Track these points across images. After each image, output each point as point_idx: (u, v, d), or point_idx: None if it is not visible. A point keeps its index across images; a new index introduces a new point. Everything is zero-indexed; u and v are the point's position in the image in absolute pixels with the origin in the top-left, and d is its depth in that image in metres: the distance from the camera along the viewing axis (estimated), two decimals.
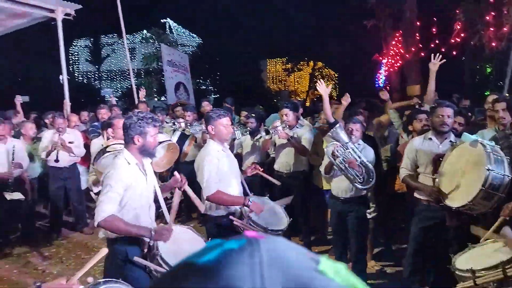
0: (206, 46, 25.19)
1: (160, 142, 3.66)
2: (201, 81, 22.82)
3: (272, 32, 22.64)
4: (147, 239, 2.63)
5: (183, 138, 4.25)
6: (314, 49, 21.26)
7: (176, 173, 3.06)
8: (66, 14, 6.34)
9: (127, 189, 2.60)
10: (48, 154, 5.29)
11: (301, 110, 5.30)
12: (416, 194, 3.53)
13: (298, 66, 25.71)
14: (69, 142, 5.37)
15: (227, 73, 23.43)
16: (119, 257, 2.67)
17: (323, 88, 4.10)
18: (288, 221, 3.43)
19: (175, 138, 4.13)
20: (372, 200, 4.23)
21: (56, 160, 5.26)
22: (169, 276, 0.44)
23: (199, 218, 6.19)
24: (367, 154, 3.76)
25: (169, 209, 2.95)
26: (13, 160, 4.87)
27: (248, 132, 5.46)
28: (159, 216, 3.30)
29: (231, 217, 3.21)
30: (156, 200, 2.92)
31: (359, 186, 3.62)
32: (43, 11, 6.17)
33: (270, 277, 0.37)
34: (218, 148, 3.24)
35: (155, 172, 3.99)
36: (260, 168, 3.72)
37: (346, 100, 4.39)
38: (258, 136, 5.50)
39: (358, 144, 3.81)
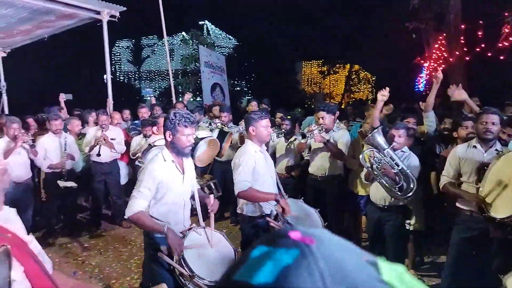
0: (242, 48, 25.44)
1: (202, 138, 3.76)
2: (235, 82, 23.05)
3: (308, 34, 22.50)
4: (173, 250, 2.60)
5: (221, 135, 4.32)
6: (351, 52, 20.91)
7: (211, 197, 3.05)
8: (111, 16, 6.61)
9: (160, 185, 2.65)
10: (91, 149, 5.56)
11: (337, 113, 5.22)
12: (458, 204, 3.39)
13: (334, 68, 25.41)
14: (111, 139, 5.61)
15: (262, 75, 23.53)
16: (152, 248, 2.74)
17: (383, 96, 3.98)
18: (322, 224, 3.39)
19: (214, 135, 4.19)
20: (416, 210, 4.08)
21: (98, 155, 5.51)
22: None
23: (231, 217, 6.28)
24: (411, 162, 3.60)
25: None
26: (65, 150, 5.24)
27: (282, 134, 5.46)
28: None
29: (267, 218, 3.22)
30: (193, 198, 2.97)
31: (395, 195, 3.51)
32: (90, 12, 6.45)
33: None
34: (256, 148, 3.27)
35: (197, 167, 4.10)
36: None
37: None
38: (293, 138, 5.47)
39: (402, 151, 3.66)
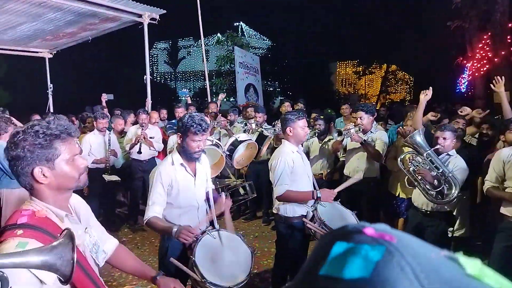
0: (275, 48, 25.46)
1: (242, 141, 3.82)
2: (269, 82, 23.07)
3: (343, 34, 22.14)
4: (185, 241, 2.51)
5: (260, 138, 4.36)
6: (388, 51, 20.34)
7: (223, 195, 2.97)
8: (152, 19, 6.82)
9: (169, 188, 2.64)
10: (132, 147, 5.77)
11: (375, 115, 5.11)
12: (502, 210, 3.24)
13: (369, 69, 24.89)
14: (150, 137, 5.79)
15: (295, 75, 23.43)
16: (162, 250, 2.77)
17: (426, 96, 3.83)
18: None
19: (253, 138, 4.25)
20: (462, 217, 3.93)
21: (139, 152, 5.72)
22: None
23: (263, 217, 6.31)
24: (457, 166, 3.42)
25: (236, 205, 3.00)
26: (109, 147, 5.52)
27: (316, 134, 5.43)
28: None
29: (304, 219, 3.21)
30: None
31: (434, 200, 3.40)
32: (132, 15, 6.69)
33: None
34: (293, 149, 3.27)
35: (232, 167, 4.14)
36: None
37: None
38: (327, 139, 5.44)
39: (448, 154, 3.50)
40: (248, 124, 5.68)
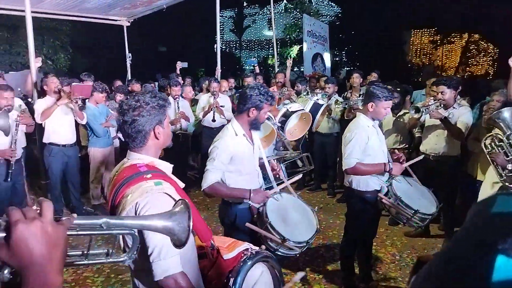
0: (344, 16, 24.26)
1: (294, 112, 3.75)
2: (336, 52, 22.20)
3: None
4: (256, 205, 2.73)
5: (316, 108, 4.25)
6: (471, 18, 18.36)
7: (272, 161, 3.04)
8: None
9: (233, 158, 2.70)
10: (205, 115, 5.99)
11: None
12: None
13: (448, 38, 22.83)
14: (221, 106, 5.94)
15: (364, 45, 22.25)
16: (230, 218, 2.86)
17: None
18: (438, 206, 3.20)
19: (308, 108, 4.15)
20: None
21: (213, 120, 5.91)
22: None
23: (328, 189, 6.28)
24: None
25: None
26: (178, 110, 5.82)
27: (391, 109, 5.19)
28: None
29: (379, 194, 3.15)
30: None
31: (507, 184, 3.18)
32: None
33: None
34: (368, 123, 3.18)
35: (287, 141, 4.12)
36: None
37: None
38: (402, 113, 5.19)
39: None
40: (313, 94, 5.57)
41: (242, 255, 1.82)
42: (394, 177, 3.23)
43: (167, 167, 1.73)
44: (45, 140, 4.81)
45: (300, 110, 3.90)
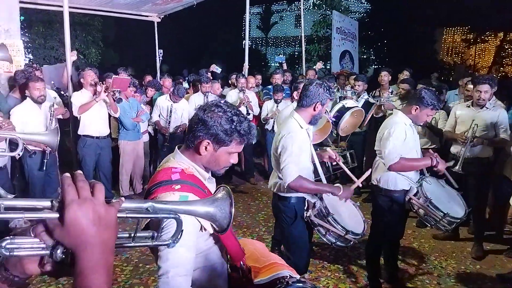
0: (374, 13, 23.74)
1: (349, 108, 3.73)
2: (364, 50, 21.76)
3: None
4: (312, 200, 2.81)
5: (366, 106, 4.20)
6: (507, 17, 17.56)
7: (330, 151, 3.06)
8: None
9: (300, 151, 2.75)
10: None
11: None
12: None
13: (482, 37, 21.98)
14: (250, 101, 5.98)
15: (394, 42, 21.72)
16: (288, 214, 2.90)
17: None
18: (467, 210, 3.12)
19: (360, 105, 4.12)
20: None
21: (248, 114, 5.92)
22: None
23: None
24: None
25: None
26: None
27: None
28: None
29: (410, 195, 3.11)
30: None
31: None
32: None
33: None
34: (406, 121, 3.15)
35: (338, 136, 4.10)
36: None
37: None
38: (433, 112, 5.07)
39: None
40: (342, 92, 5.51)
41: (278, 282, 1.61)
42: (424, 178, 3.18)
43: (204, 176, 1.62)
44: (80, 132, 4.98)
45: (355, 106, 3.89)
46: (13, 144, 3.99)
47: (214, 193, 0.98)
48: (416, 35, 20.88)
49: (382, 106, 5.28)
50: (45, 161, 4.34)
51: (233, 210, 0.94)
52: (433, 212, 2.95)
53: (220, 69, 7.80)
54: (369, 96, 5.65)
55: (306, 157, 2.85)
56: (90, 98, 4.88)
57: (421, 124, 3.26)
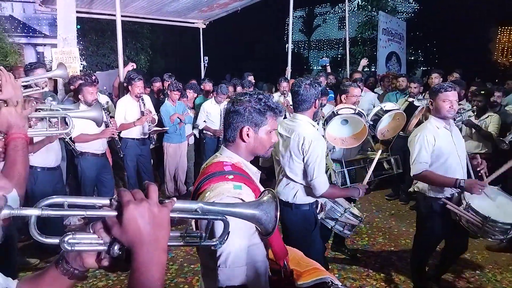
0: (423, 12, 22.85)
1: (388, 111, 3.61)
2: (411, 51, 20.97)
3: None
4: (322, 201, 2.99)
5: (411, 109, 4.04)
6: None
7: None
8: None
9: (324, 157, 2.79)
10: None
11: None
12: None
13: None
14: (290, 105, 5.96)
15: (444, 43, 20.78)
16: (308, 222, 2.85)
17: None
18: None
19: (402, 108, 3.96)
20: None
21: (284, 118, 5.94)
22: None
23: (401, 195, 5.95)
24: None
25: None
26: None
27: (474, 111, 4.82)
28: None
29: (445, 201, 2.95)
30: None
31: None
32: None
33: None
34: (438, 124, 3.00)
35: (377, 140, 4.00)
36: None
37: None
38: (485, 116, 4.80)
39: None
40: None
41: (320, 287, 1.64)
42: (460, 180, 2.98)
43: (253, 172, 1.67)
44: (123, 134, 5.21)
45: (394, 110, 3.76)
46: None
47: (260, 196, 0.98)
48: (468, 35, 19.82)
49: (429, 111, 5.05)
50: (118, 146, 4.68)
51: (278, 213, 0.93)
52: (473, 217, 2.78)
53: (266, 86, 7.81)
54: (414, 99, 5.44)
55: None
56: (135, 106, 5.08)
57: (450, 115, 2.99)
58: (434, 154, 2.96)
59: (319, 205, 2.96)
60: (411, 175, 3.03)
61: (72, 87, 4.81)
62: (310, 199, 2.81)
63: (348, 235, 3.22)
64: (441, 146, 2.94)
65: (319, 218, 2.90)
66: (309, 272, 1.70)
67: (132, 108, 5.08)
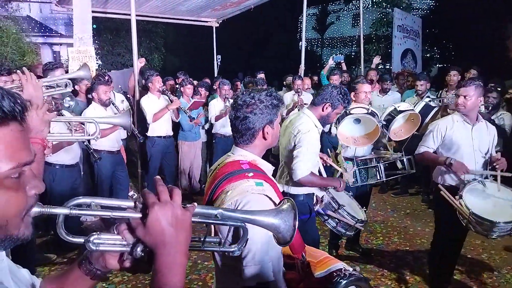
0: (439, 9, 22.41)
1: (401, 111, 3.57)
2: (427, 48, 20.60)
3: None
4: (320, 194, 2.99)
5: (427, 109, 3.98)
6: None
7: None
8: None
9: (316, 150, 2.87)
10: (288, 112, 6.00)
11: None
12: None
13: None
14: (304, 103, 5.92)
15: (460, 40, 20.36)
16: (302, 211, 2.89)
17: None
18: None
19: (418, 109, 3.91)
20: None
21: None
22: None
23: (423, 196, 5.86)
24: None
25: None
26: None
27: (488, 108, 4.75)
28: None
29: (439, 186, 3.03)
30: None
31: None
32: None
33: None
34: (457, 118, 3.10)
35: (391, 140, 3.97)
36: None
37: None
38: (500, 113, 4.74)
39: None
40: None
41: (335, 274, 1.68)
42: (480, 180, 2.95)
43: (268, 168, 1.68)
44: (150, 133, 5.27)
45: (408, 110, 3.73)
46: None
47: (279, 204, 0.97)
48: (485, 32, 19.40)
49: (448, 108, 4.97)
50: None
51: (297, 223, 0.92)
52: (461, 209, 2.78)
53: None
54: (431, 99, 5.36)
55: (316, 158, 2.96)
56: (158, 102, 5.18)
57: (464, 107, 3.01)
58: (444, 143, 3.10)
59: (315, 197, 3.03)
60: (414, 154, 3.31)
61: (77, 86, 4.74)
62: (305, 190, 2.93)
63: (343, 233, 3.09)
64: (453, 136, 3.06)
65: (315, 209, 2.99)
66: (323, 262, 1.75)
67: (157, 103, 5.21)
